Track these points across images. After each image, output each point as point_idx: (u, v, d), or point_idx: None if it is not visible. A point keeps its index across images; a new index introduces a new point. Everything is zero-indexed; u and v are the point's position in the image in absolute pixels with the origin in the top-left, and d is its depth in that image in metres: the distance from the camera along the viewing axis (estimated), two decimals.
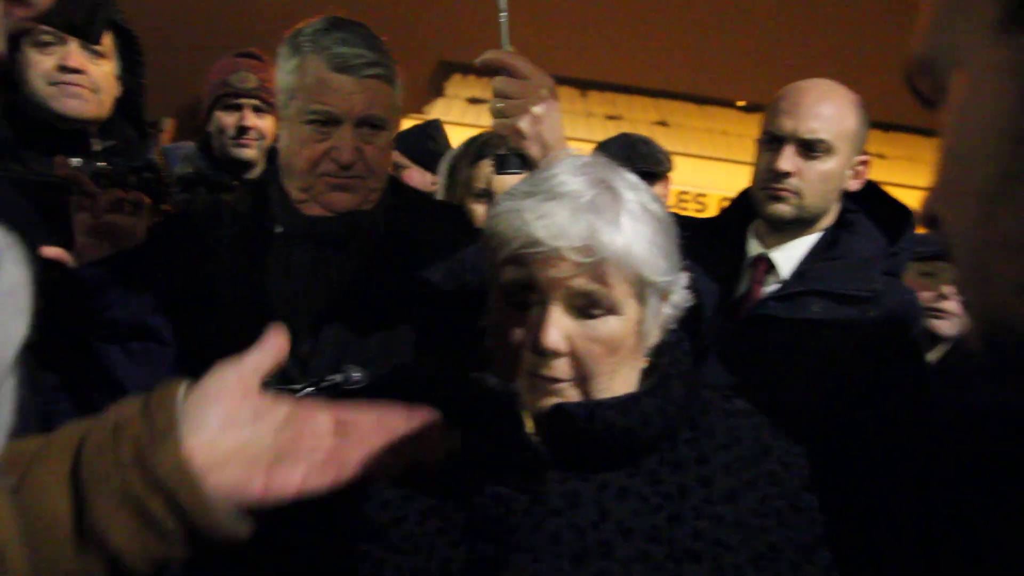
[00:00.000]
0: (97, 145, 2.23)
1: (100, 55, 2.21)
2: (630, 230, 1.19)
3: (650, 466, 1.23)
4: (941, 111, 0.58)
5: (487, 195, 2.63)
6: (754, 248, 2.14)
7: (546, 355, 1.19)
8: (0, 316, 0.56)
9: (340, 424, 0.90)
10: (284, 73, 1.74)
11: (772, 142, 2.07)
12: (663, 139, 3.59)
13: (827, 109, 2.04)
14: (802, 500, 1.26)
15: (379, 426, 0.90)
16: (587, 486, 1.20)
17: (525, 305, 1.21)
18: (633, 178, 1.28)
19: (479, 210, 2.65)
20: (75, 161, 1.92)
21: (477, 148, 2.75)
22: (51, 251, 1.71)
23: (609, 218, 1.18)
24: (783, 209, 2.05)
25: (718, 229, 2.23)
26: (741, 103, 13.29)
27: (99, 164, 1.96)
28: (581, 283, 1.18)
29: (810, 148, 2.03)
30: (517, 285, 1.21)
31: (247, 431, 0.85)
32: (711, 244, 2.12)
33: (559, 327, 1.18)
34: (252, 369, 0.90)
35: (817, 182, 2.04)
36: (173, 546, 0.76)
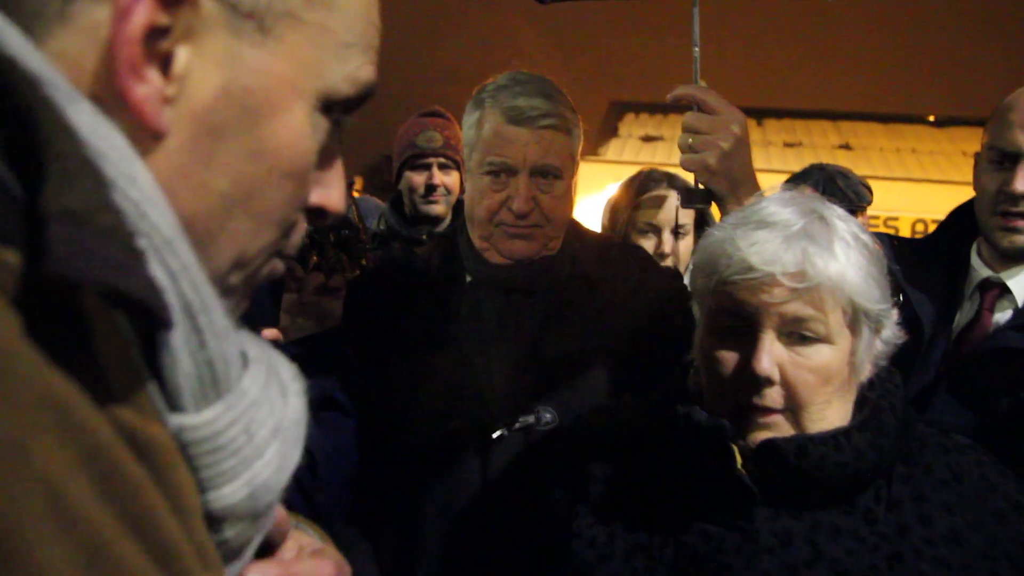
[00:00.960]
0: None
1: None
2: (843, 257, 1.17)
3: (865, 504, 1.18)
4: None
5: (652, 230, 2.64)
6: (981, 271, 1.94)
7: (759, 383, 1.17)
8: (284, 445, 0.61)
9: None
10: (467, 127, 1.84)
11: (1003, 160, 1.86)
12: (847, 163, 3.45)
13: None
14: None
15: None
16: (799, 524, 1.17)
17: (736, 333, 1.21)
18: (841, 210, 1.26)
19: (645, 244, 2.66)
20: None
21: (640, 185, 2.76)
22: (269, 333, 1.89)
23: (823, 245, 1.17)
24: (1022, 240, 1.84)
25: (935, 248, 2.04)
26: (931, 118, 12.54)
27: None
28: (794, 309, 1.16)
29: None
30: (729, 312, 1.21)
31: None
32: (927, 265, 1.95)
33: (772, 354, 1.17)
34: None
35: None
36: None
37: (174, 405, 0.53)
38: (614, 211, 2.85)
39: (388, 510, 1.75)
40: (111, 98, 0.52)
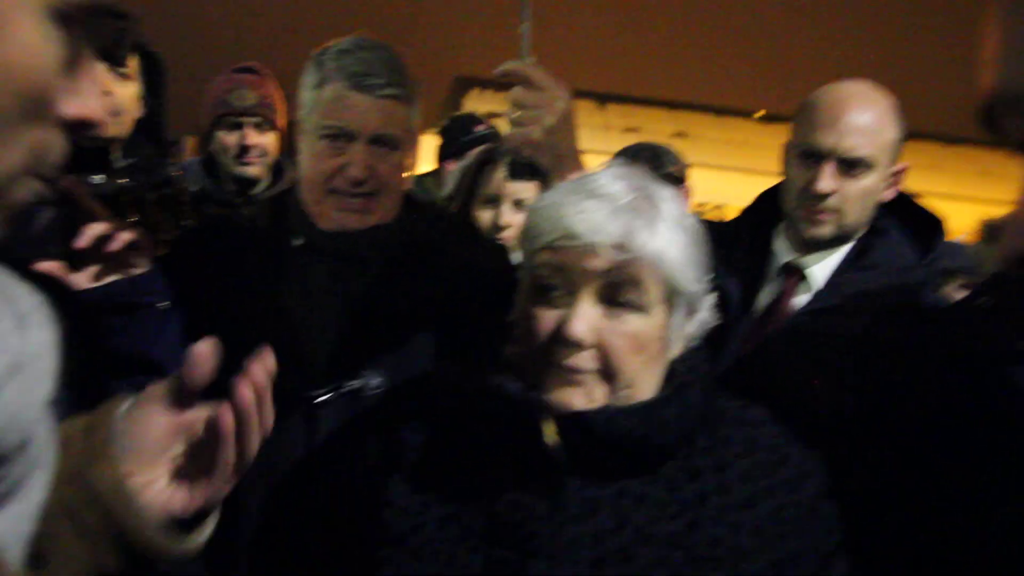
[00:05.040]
0: (119, 163, 2.27)
1: (125, 77, 2.25)
2: (665, 235, 1.22)
3: (668, 473, 1.24)
4: None
5: (494, 201, 2.67)
6: (784, 255, 2.05)
7: (571, 345, 1.21)
8: (25, 380, 0.57)
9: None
10: (306, 89, 1.79)
11: (808, 157, 1.94)
12: (681, 150, 3.59)
13: (868, 121, 1.91)
14: (820, 508, 1.26)
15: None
16: (605, 493, 1.21)
17: (556, 296, 1.24)
18: (671, 192, 1.31)
19: (485, 216, 2.69)
20: (97, 178, 1.94)
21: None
22: (45, 266, 1.55)
23: (646, 221, 1.21)
24: (824, 231, 1.96)
25: (739, 231, 2.15)
26: (759, 114, 13.26)
27: (119, 181, 1.99)
28: (613, 277, 1.21)
29: (851, 166, 1.91)
30: (550, 275, 1.24)
31: (174, 446, 0.91)
32: (732, 247, 2.04)
33: (587, 318, 1.21)
34: (179, 386, 0.92)
35: (858, 200, 1.94)
36: (107, 556, 0.81)
37: None
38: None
39: None
40: None
